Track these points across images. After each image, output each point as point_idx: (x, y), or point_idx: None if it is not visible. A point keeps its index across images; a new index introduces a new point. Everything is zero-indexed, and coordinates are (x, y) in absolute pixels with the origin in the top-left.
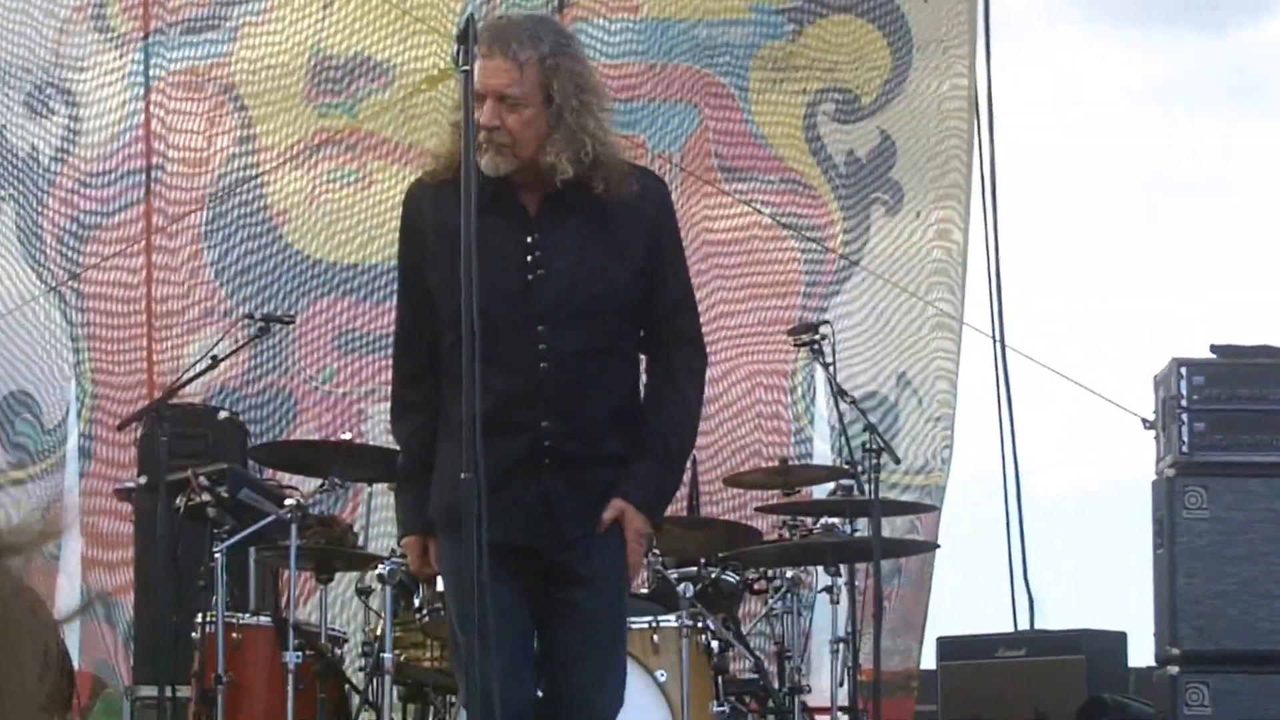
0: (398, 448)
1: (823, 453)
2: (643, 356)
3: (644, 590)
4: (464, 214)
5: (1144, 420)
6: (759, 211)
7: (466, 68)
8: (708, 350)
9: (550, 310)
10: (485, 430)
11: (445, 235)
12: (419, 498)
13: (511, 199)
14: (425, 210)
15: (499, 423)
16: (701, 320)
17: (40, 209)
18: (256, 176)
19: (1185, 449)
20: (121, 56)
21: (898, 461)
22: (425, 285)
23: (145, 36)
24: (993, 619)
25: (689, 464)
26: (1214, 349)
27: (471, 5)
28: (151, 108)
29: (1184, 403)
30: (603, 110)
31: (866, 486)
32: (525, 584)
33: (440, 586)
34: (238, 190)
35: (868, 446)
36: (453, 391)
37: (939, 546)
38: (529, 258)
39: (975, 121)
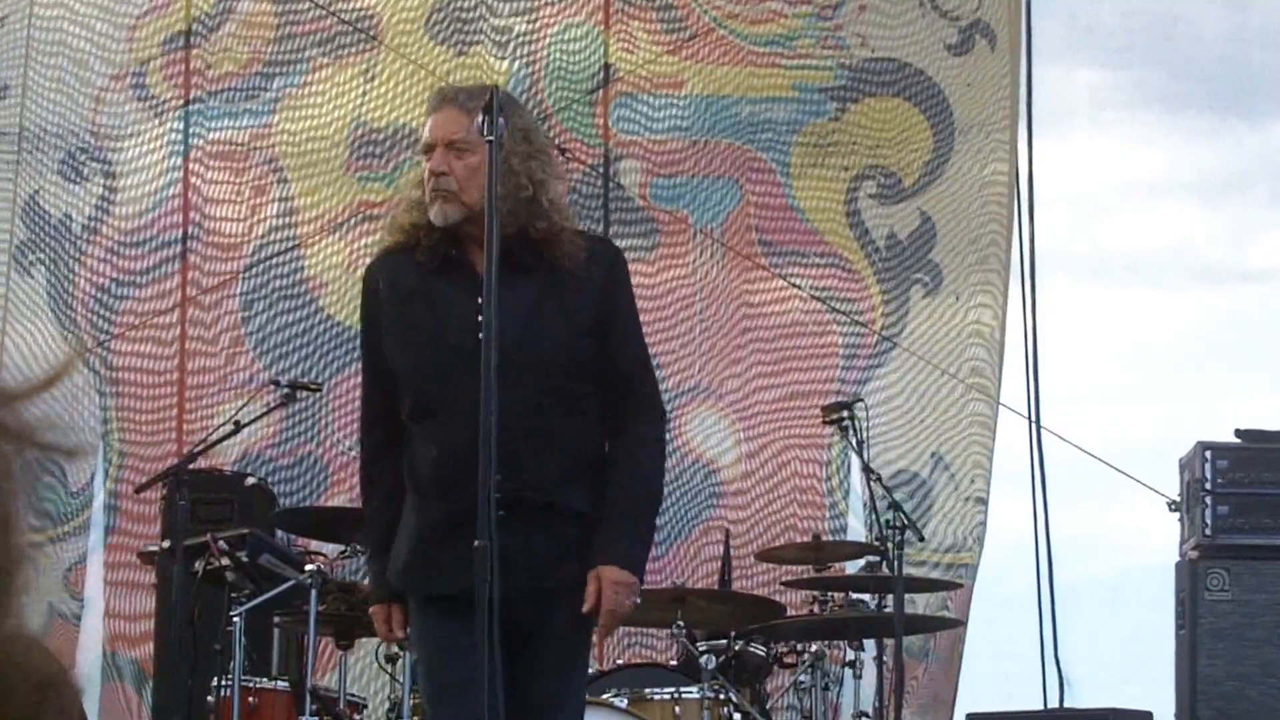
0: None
1: (856, 529)
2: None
3: (672, 662)
4: (485, 268)
5: (1170, 502)
6: (798, 288)
7: (491, 138)
8: (747, 426)
9: (498, 368)
10: (439, 485)
11: (401, 298)
12: (385, 569)
13: (462, 260)
14: (382, 282)
15: (451, 479)
16: (739, 394)
17: (71, 274)
18: (295, 246)
19: (1208, 531)
20: (161, 124)
21: (922, 539)
22: (384, 357)
23: (185, 104)
24: (1023, 697)
25: (723, 537)
26: (1239, 433)
27: (513, 80)
28: (190, 176)
29: (1208, 485)
30: (552, 171)
31: (893, 559)
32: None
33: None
34: (275, 258)
35: (892, 524)
36: (415, 455)
37: (963, 623)
38: (479, 317)
39: (1016, 205)
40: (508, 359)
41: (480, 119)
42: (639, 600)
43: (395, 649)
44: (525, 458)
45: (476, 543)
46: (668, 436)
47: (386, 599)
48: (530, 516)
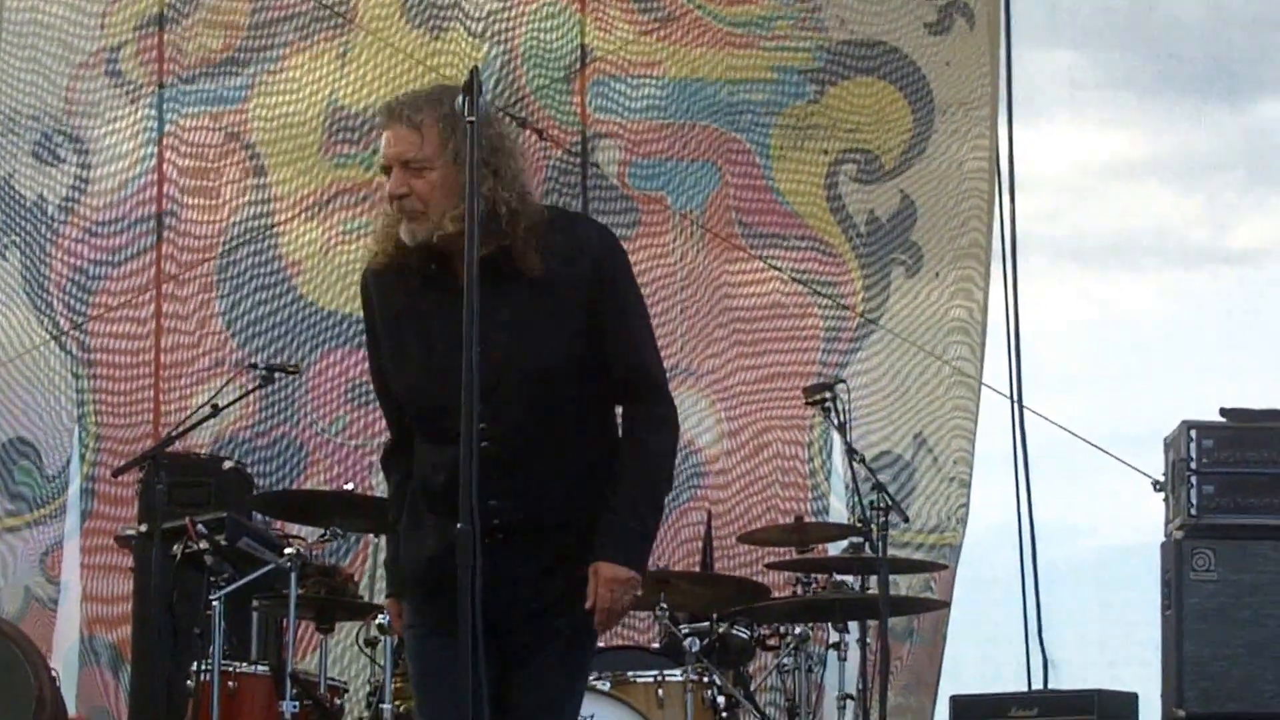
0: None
1: (839, 510)
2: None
3: (654, 645)
4: (466, 265)
5: (1154, 482)
6: (779, 270)
7: (472, 118)
8: (728, 407)
9: (489, 387)
10: (436, 509)
11: (391, 316)
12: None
13: (444, 275)
14: (373, 299)
15: (450, 502)
16: (720, 376)
17: (46, 257)
18: (271, 227)
19: (1194, 511)
20: (135, 107)
21: (906, 520)
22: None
23: (160, 85)
24: (1007, 678)
25: (704, 518)
26: (1223, 412)
27: (491, 63)
28: (164, 158)
29: (1193, 465)
30: (516, 165)
31: (877, 541)
32: (491, 671)
33: None
34: (251, 240)
35: (876, 505)
36: (416, 468)
37: (947, 605)
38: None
39: (996, 184)
40: (499, 375)
41: (436, 130)
42: (639, 594)
43: (375, 633)
44: (526, 481)
45: (459, 525)
46: (677, 416)
47: (398, 594)
48: (530, 539)
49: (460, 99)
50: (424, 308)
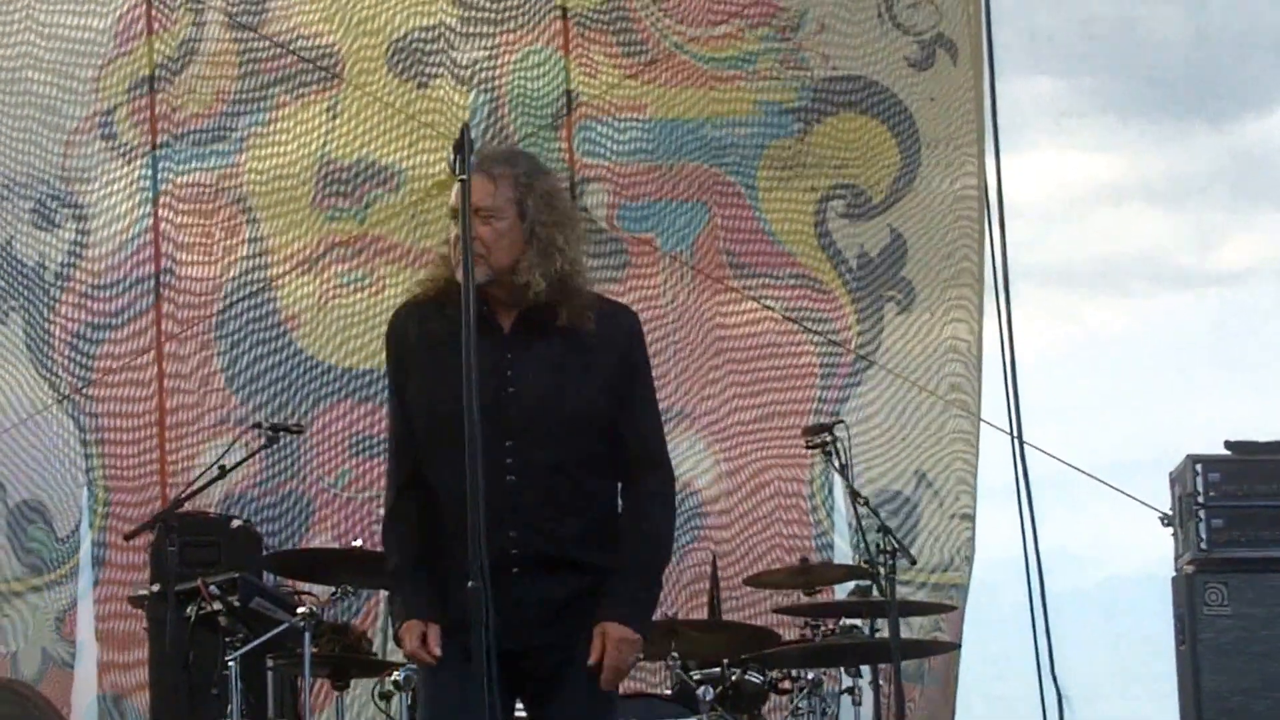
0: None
1: (844, 551)
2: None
3: (666, 692)
4: (464, 307)
5: (1162, 516)
6: (771, 309)
7: (464, 176)
8: (725, 448)
9: (520, 427)
10: (456, 540)
11: (427, 343)
12: (417, 589)
13: (488, 318)
14: (410, 327)
15: (461, 536)
16: (716, 417)
17: (48, 319)
18: (267, 283)
19: (1204, 545)
20: (130, 168)
21: (913, 563)
22: (409, 400)
23: (154, 146)
24: (1022, 715)
25: (709, 563)
26: (1229, 445)
27: (478, 111)
28: (160, 218)
29: (1200, 499)
30: (575, 236)
31: (885, 585)
32: (505, 699)
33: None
34: (248, 297)
35: (882, 548)
36: (434, 504)
37: (959, 646)
38: (505, 374)
39: (985, 216)
40: (530, 418)
41: (509, 184)
42: (642, 657)
43: (390, 688)
44: (545, 515)
45: (470, 583)
46: (675, 491)
47: (424, 616)
48: (547, 571)
49: (503, 184)
50: (459, 344)
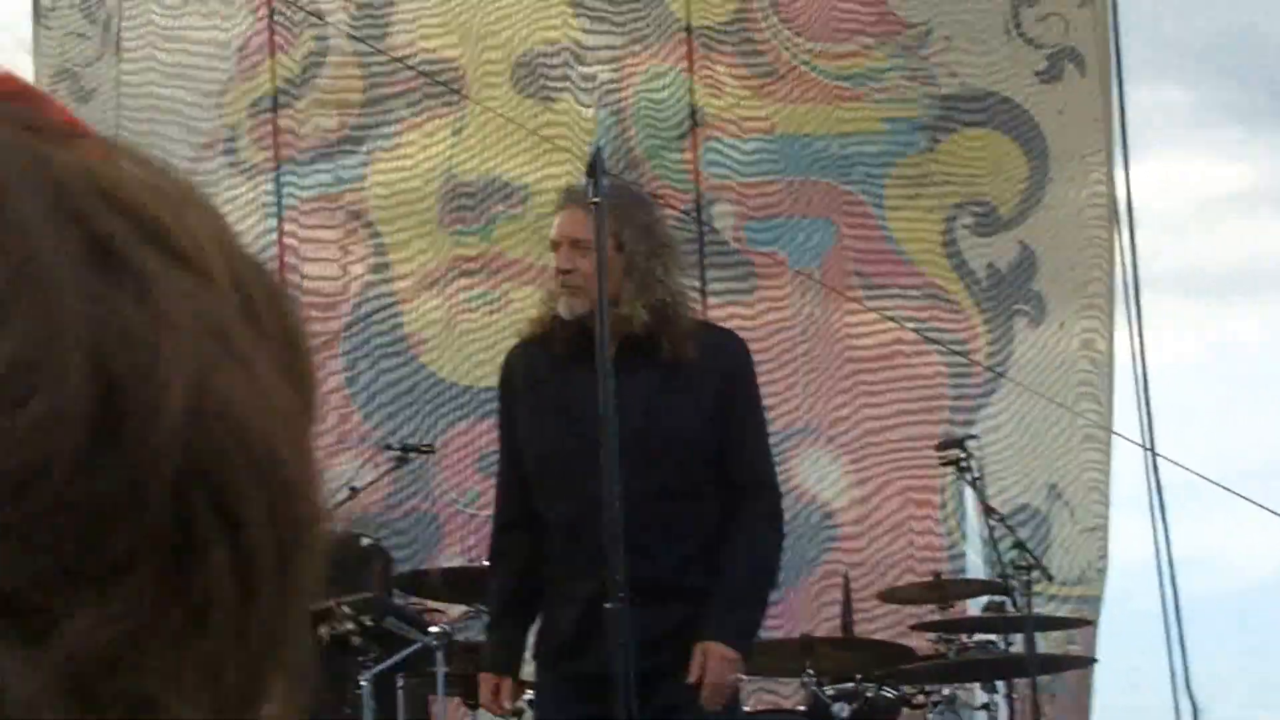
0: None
1: (976, 565)
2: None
3: (801, 709)
4: (598, 342)
5: None
6: (902, 325)
7: (597, 199)
8: (855, 463)
9: (623, 454)
10: (565, 569)
11: (534, 384)
12: (503, 640)
13: (590, 349)
14: (518, 368)
15: (576, 561)
16: (848, 434)
17: None
18: (393, 304)
19: None
20: (253, 187)
21: (1050, 578)
22: (519, 441)
23: (276, 167)
24: None
25: (841, 578)
26: None
27: (601, 128)
28: (284, 236)
29: None
30: (675, 265)
31: (1019, 600)
32: None
33: None
34: (372, 315)
35: (1018, 563)
36: (547, 540)
37: (1096, 661)
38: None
39: (1115, 227)
40: (631, 447)
41: (609, 215)
42: (743, 677)
43: (523, 705)
44: (650, 543)
45: (607, 604)
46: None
47: (500, 671)
48: (652, 599)
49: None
50: (568, 378)
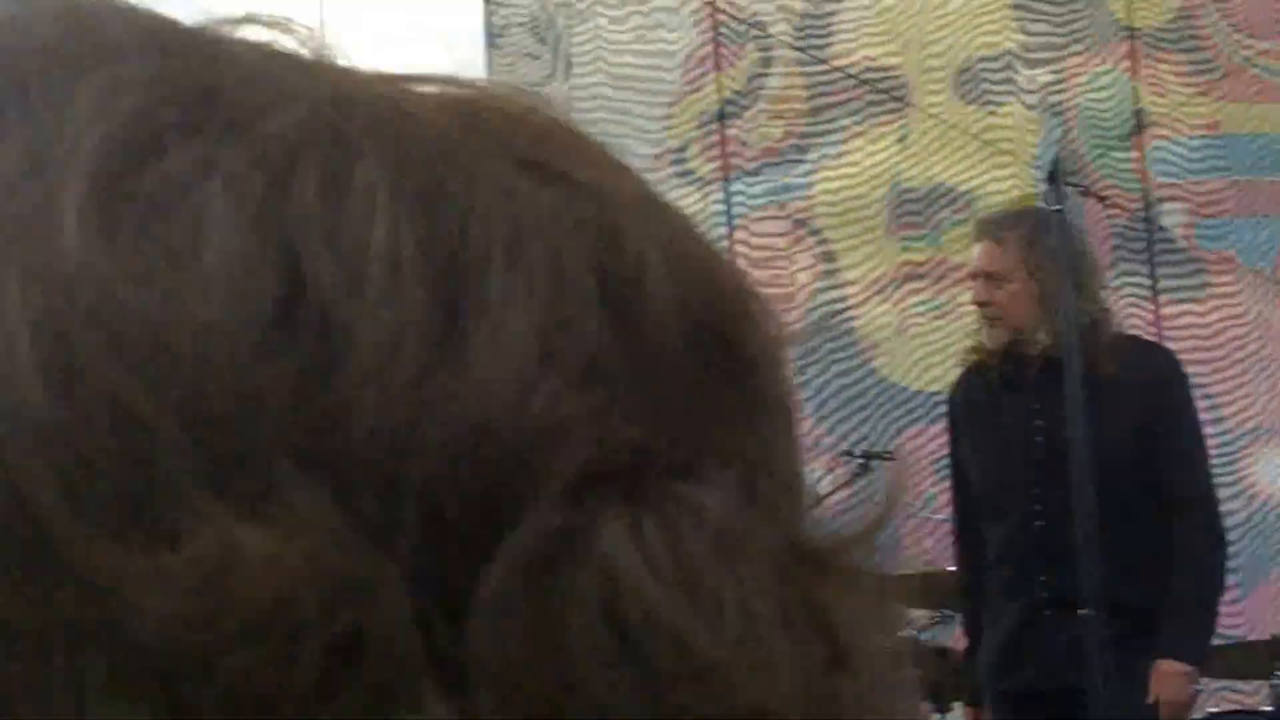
0: None
1: None
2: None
3: (1267, 708)
4: (1066, 355)
5: None
6: None
7: (1059, 207)
8: None
9: (1047, 474)
10: (1008, 584)
11: (970, 411)
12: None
13: (1017, 374)
14: (959, 398)
15: (1000, 581)
16: None
17: None
18: (844, 310)
19: None
20: (704, 198)
21: None
22: (965, 469)
23: (725, 178)
24: None
25: None
26: None
27: (1046, 130)
28: (735, 248)
29: None
30: (1093, 283)
31: None
32: None
33: None
34: (826, 325)
35: None
36: (989, 555)
37: None
38: (1032, 424)
39: None
40: (1057, 464)
41: (1016, 245)
42: (1199, 689)
43: None
44: (1077, 558)
45: (1081, 611)
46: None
47: (975, 703)
48: (1068, 613)
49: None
50: (999, 403)
